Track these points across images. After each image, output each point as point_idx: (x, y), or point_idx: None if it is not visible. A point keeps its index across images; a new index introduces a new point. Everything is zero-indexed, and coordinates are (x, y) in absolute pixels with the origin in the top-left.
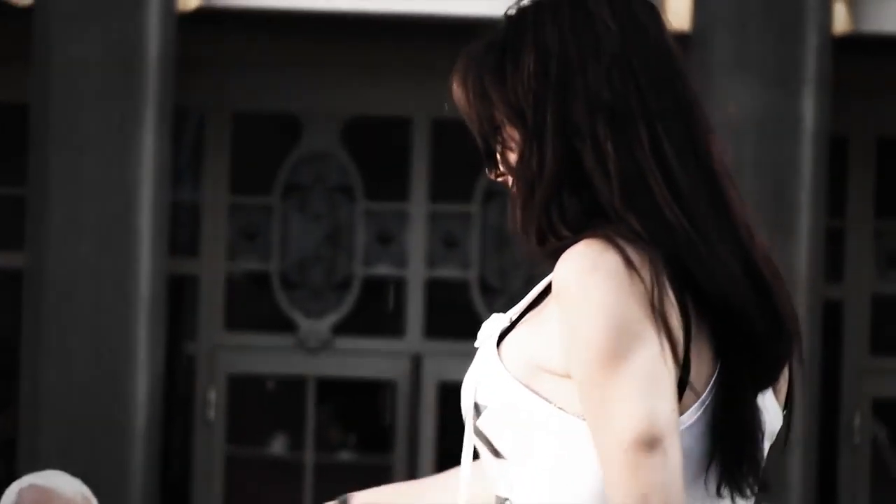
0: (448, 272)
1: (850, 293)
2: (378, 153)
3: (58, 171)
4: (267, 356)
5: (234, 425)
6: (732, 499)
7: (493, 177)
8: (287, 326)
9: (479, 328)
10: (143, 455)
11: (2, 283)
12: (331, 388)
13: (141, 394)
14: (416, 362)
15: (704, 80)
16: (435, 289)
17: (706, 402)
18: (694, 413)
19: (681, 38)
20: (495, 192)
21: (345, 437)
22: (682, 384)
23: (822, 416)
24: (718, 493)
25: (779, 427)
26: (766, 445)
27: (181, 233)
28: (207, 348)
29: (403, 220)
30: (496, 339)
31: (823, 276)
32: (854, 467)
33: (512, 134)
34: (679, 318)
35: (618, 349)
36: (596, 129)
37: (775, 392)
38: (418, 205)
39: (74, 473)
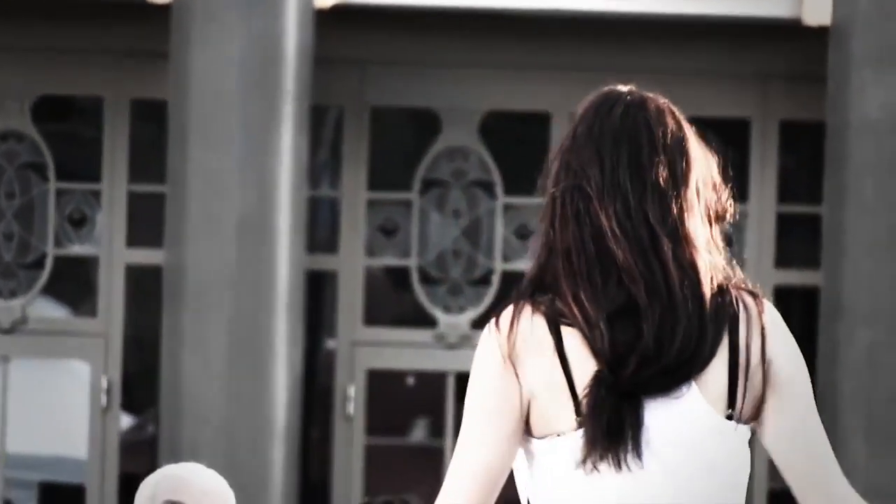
0: None
1: None
2: (517, 148)
3: (196, 168)
4: (406, 351)
5: (374, 419)
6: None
7: None
8: (426, 322)
9: None
10: (283, 449)
11: (142, 280)
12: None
13: (280, 389)
14: None
15: (843, 77)
16: None
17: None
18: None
19: (820, 32)
20: None
21: None
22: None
23: None
24: (595, 468)
25: (702, 426)
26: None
27: (320, 229)
28: (346, 344)
29: None
30: None
31: None
32: None
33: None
34: (553, 348)
35: (469, 404)
36: (564, 194)
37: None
38: None
39: (214, 468)
